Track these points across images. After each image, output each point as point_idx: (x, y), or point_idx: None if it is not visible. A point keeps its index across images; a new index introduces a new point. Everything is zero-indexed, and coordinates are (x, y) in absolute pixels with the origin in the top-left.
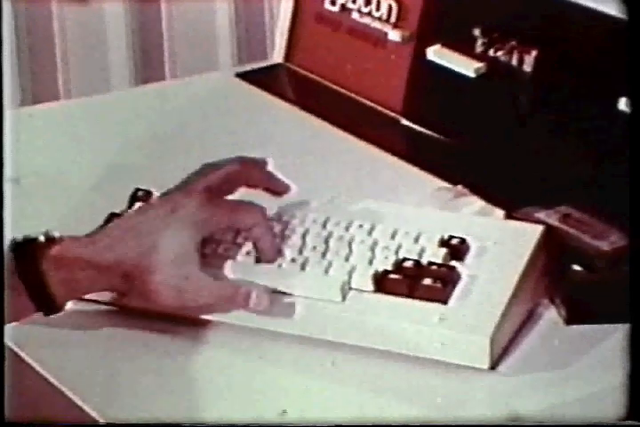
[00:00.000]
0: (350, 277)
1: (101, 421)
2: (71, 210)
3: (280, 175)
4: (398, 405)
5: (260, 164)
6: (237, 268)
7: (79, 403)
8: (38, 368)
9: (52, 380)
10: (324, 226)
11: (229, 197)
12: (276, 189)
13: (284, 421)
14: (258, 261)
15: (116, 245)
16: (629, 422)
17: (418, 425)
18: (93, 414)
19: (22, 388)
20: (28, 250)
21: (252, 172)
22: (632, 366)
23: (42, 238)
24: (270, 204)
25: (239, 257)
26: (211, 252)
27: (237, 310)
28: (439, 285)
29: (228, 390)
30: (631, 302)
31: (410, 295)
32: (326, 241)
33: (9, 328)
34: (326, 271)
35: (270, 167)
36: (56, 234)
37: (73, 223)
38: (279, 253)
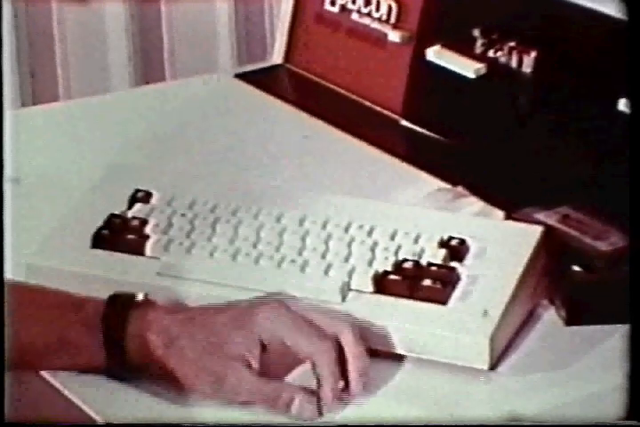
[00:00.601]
0: (350, 278)
1: (101, 421)
2: (71, 210)
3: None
4: (398, 405)
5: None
6: None
7: (79, 403)
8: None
9: (51, 380)
10: (324, 227)
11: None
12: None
13: (284, 421)
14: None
15: (194, 329)
16: (629, 423)
17: (418, 425)
18: (93, 414)
19: (22, 388)
20: (123, 304)
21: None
22: (632, 367)
23: (141, 297)
24: (272, 209)
25: None
26: None
27: (279, 413)
28: (439, 285)
29: None
30: (631, 302)
31: (410, 296)
32: (326, 242)
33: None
34: (326, 272)
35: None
36: (154, 299)
37: (73, 223)
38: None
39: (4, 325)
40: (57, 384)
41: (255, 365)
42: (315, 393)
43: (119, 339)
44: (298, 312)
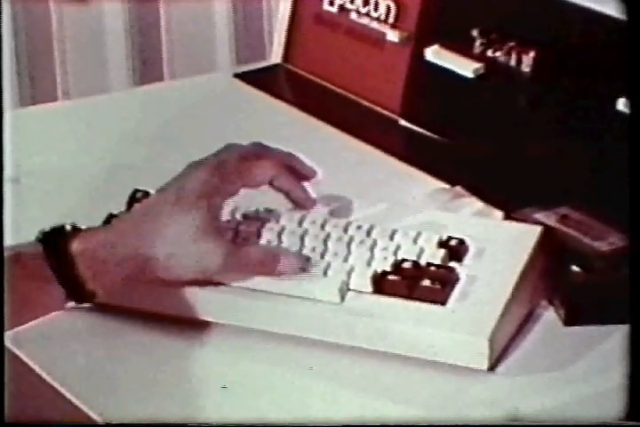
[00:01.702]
0: (349, 278)
1: (101, 421)
2: (71, 210)
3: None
4: (398, 405)
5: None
6: None
7: (78, 403)
8: (38, 369)
9: (51, 381)
10: (323, 227)
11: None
12: (298, 167)
13: (283, 421)
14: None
15: (133, 230)
16: (629, 423)
17: (417, 425)
18: (93, 414)
19: (22, 388)
20: (57, 239)
21: (272, 152)
22: (632, 367)
23: (68, 228)
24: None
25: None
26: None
27: (265, 274)
28: (438, 286)
29: (227, 390)
30: (631, 302)
31: (409, 296)
32: (325, 242)
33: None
34: (325, 272)
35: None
36: (81, 226)
37: (73, 223)
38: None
39: (4, 325)
40: (57, 384)
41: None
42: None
43: (69, 268)
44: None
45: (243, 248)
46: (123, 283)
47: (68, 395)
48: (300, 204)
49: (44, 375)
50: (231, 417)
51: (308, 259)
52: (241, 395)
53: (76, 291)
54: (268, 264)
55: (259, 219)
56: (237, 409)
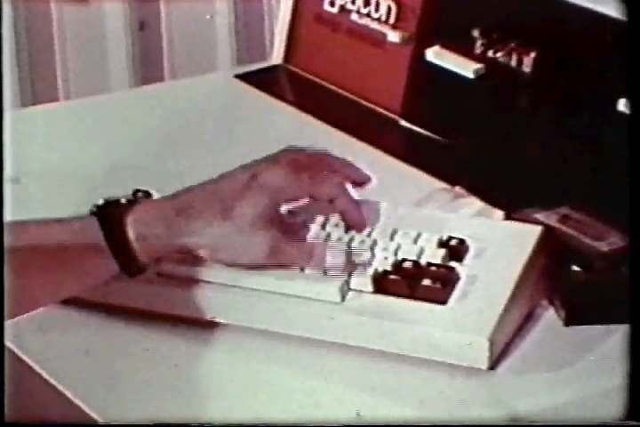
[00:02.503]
0: (350, 277)
1: (101, 421)
2: (71, 210)
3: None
4: (398, 405)
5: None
6: None
7: (79, 403)
8: (38, 369)
9: (51, 381)
10: (323, 227)
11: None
12: (358, 179)
13: (283, 421)
14: (347, 231)
15: (194, 205)
16: (629, 423)
17: (417, 425)
18: (93, 414)
19: (22, 388)
20: (112, 212)
21: (334, 159)
22: (632, 367)
23: (124, 200)
24: None
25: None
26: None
27: (313, 268)
28: (438, 285)
29: (228, 390)
30: (631, 302)
31: (409, 296)
32: (325, 242)
33: (9, 328)
34: (325, 272)
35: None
36: (138, 198)
37: None
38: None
39: (4, 325)
40: (57, 384)
41: (273, 227)
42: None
43: (125, 240)
44: (302, 166)
45: (293, 240)
46: (170, 258)
47: (68, 395)
48: (353, 226)
49: (44, 375)
50: (232, 417)
51: (351, 254)
52: (241, 395)
53: (129, 263)
54: (317, 258)
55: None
56: (238, 409)
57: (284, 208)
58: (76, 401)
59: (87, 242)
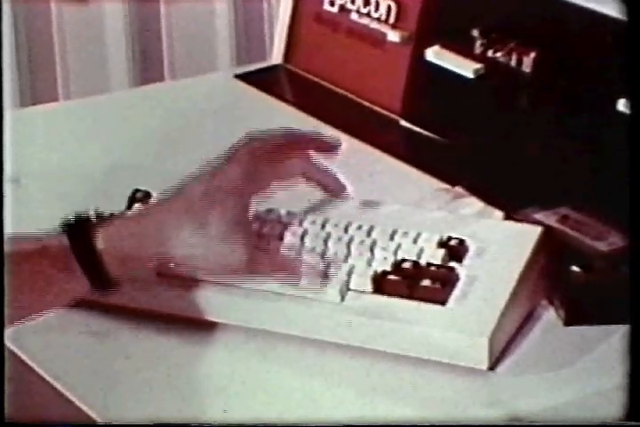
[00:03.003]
0: (349, 277)
1: (101, 421)
2: (71, 210)
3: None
4: (398, 405)
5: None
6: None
7: (78, 403)
8: (38, 369)
9: (51, 381)
10: (323, 227)
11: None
12: (324, 146)
13: (283, 421)
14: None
15: (164, 219)
16: (629, 423)
17: (417, 425)
18: (93, 414)
19: (22, 388)
20: (81, 228)
21: (295, 135)
22: (632, 367)
23: (93, 216)
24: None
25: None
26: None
27: (287, 276)
28: (438, 285)
29: (228, 390)
30: (631, 302)
31: (409, 296)
32: (325, 242)
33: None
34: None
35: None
36: (105, 212)
37: None
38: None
39: (4, 325)
40: (57, 384)
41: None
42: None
43: (94, 259)
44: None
45: (267, 249)
46: (145, 274)
47: (68, 395)
48: (332, 191)
49: (44, 375)
50: (232, 417)
51: (328, 264)
52: (241, 395)
53: (101, 280)
54: (291, 267)
55: (276, 219)
56: (238, 409)
57: (255, 204)
58: (76, 401)
59: (57, 259)
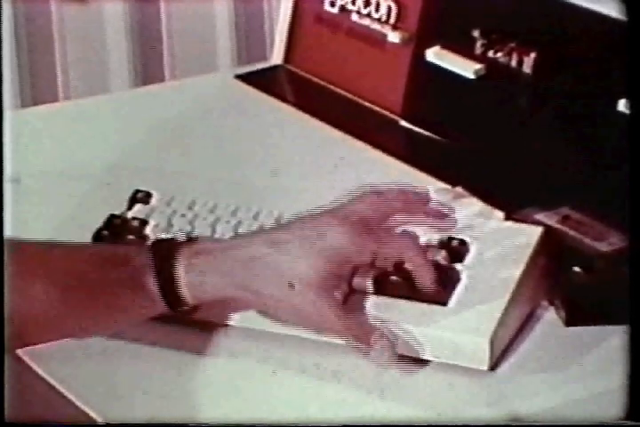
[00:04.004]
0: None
1: (101, 421)
2: (71, 210)
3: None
4: (398, 405)
5: (422, 197)
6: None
7: (79, 403)
8: (38, 369)
9: (51, 381)
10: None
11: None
12: (440, 226)
13: (283, 421)
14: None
15: (254, 261)
16: (629, 423)
17: (418, 425)
18: (93, 414)
19: (22, 388)
20: (167, 248)
21: (412, 205)
22: (632, 367)
23: (182, 238)
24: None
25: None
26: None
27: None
28: (439, 286)
29: (228, 390)
30: (631, 302)
31: (410, 297)
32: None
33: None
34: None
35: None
36: (196, 235)
37: (73, 224)
38: (439, 284)
39: (5, 324)
40: (57, 384)
41: (337, 295)
42: (392, 342)
43: (173, 282)
44: (359, 222)
45: (351, 316)
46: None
47: (68, 395)
48: (423, 288)
49: (44, 375)
50: (231, 417)
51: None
52: (241, 395)
53: (175, 303)
54: (364, 336)
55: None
56: (237, 409)
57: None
58: (76, 401)
59: (135, 273)
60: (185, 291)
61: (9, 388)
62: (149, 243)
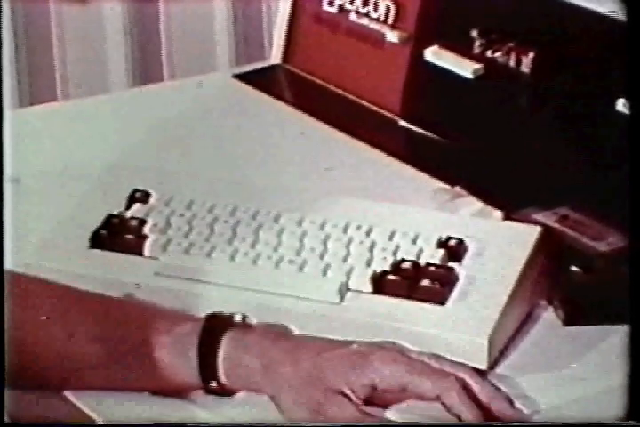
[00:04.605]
0: (348, 278)
1: (101, 421)
2: (70, 210)
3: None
4: (398, 405)
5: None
6: None
7: (78, 403)
8: None
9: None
10: (322, 228)
11: None
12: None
13: (283, 421)
14: None
15: (299, 363)
16: (629, 423)
17: (418, 425)
18: (93, 414)
19: (22, 388)
20: (220, 324)
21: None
22: (632, 367)
23: (238, 318)
24: (270, 207)
25: None
26: None
27: None
28: (437, 286)
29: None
30: (631, 302)
31: (408, 296)
32: (324, 242)
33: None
34: (324, 273)
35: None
36: (253, 321)
37: (71, 223)
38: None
39: (5, 323)
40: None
41: (359, 402)
42: None
43: (212, 359)
44: (413, 357)
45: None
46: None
47: (67, 395)
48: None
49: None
50: (231, 417)
51: None
52: (241, 394)
53: (211, 378)
54: None
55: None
56: (236, 409)
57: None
58: (76, 401)
59: (179, 342)
60: (224, 366)
61: (9, 388)
62: (205, 317)
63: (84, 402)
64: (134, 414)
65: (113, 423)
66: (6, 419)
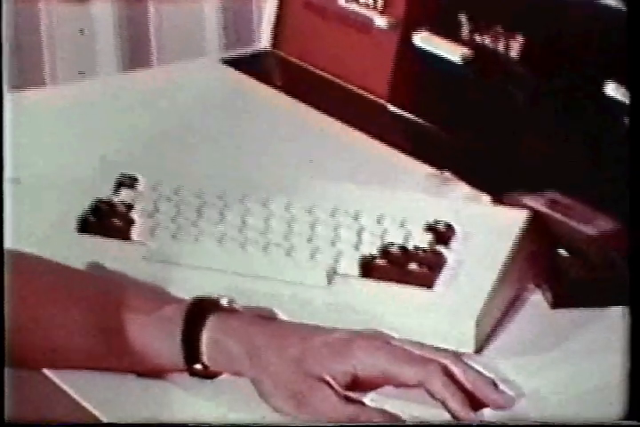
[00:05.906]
0: (337, 262)
1: (101, 421)
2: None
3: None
4: (397, 405)
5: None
6: None
7: (79, 403)
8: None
9: (53, 379)
10: (310, 212)
11: None
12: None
13: (283, 421)
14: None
15: (279, 347)
16: (629, 423)
17: (418, 425)
18: (93, 414)
19: (23, 387)
20: (205, 307)
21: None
22: (632, 366)
23: (225, 302)
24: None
25: None
26: None
27: None
28: (425, 269)
29: (227, 388)
30: (631, 301)
31: (396, 280)
32: (312, 227)
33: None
34: (312, 257)
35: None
36: (239, 305)
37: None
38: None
39: (5, 323)
40: (58, 383)
41: (339, 389)
42: (394, 416)
43: (196, 342)
44: (395, 345)
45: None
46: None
47: (68, 394)
48: (455, 414)
49: (45, 374)
50: (231, 417)
51: None
52: (240, 394)
53: (195, 361)
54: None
55: None
56: (236, 409)
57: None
58: (77, 401)
59: (165, 325)
60: (208, 350)
61: (9, 387)
62: (192, 298)
63: (85, 402)
64: (134, 413)
65: (113, 423)
66: (6, 419)
